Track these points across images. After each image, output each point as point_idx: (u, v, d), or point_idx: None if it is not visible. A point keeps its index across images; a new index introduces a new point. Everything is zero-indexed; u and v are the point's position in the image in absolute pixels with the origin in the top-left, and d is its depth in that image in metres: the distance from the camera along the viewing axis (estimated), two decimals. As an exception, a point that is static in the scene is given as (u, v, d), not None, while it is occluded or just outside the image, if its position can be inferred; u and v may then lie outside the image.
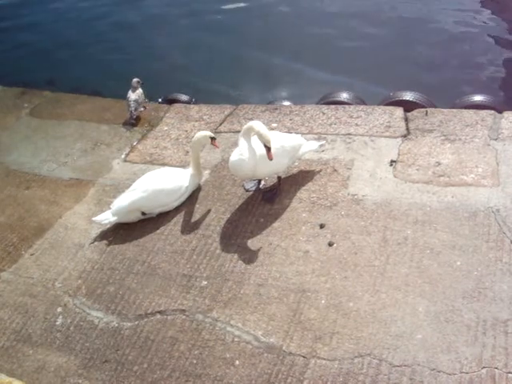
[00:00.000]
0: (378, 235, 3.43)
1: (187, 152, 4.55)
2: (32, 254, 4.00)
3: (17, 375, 3.20)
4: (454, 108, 4.57)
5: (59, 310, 3.55)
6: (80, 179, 4.65)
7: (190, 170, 4.06)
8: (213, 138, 3.99)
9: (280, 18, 7.88)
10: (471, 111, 4.33)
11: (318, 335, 2.96)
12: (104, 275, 3.69)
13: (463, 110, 4.42)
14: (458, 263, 3.14)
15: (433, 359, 2.72)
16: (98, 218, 3.97)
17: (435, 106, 4.79)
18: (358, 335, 2.91)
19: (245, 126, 3.64)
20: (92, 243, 3.96)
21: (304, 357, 2.89)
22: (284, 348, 2.95)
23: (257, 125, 3.55)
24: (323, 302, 3.12)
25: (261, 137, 3.52)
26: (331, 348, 2.89)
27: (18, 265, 3.95)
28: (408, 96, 5.05)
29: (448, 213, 3.45)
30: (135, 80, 5.22)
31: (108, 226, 4.02)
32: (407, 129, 4.27)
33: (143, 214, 3.96)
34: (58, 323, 3.47)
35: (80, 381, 3.11)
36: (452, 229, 3.35)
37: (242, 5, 8.32)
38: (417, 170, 3.84)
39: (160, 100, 5.92)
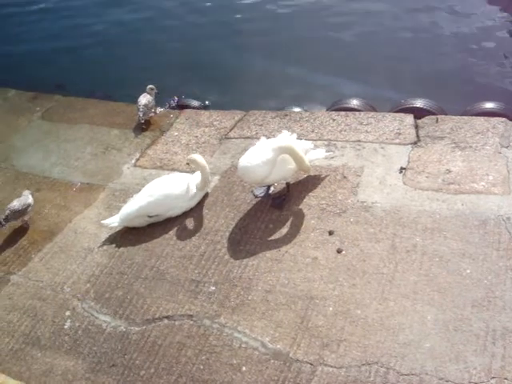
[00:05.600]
0: (386, 242, 3.41)
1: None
2: (42, 258, 4.03)
3: (25, 378, 3.23)
4: (464, 115, 4.55)
5: (68, 313, 3.57)
6: (90, 183, 4.68)
7: (198, 175, 4.06)
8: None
9: (291, 24, 7.89)
10: (482, 118, 4.30)
11: (326, 342, 2.95)
12: (112, 279, 3.70)
13: (474, 117, 4.39)
14: (468, 271, 3.11)
15: (441, 368, 2.70)
16: (106, 221, 4.01)
17: (446, 113, 4.77)
18: (365, 343, 2.90)
19: (283, 144, 3.62)
20: (101, 247, 3.98)
21: (311, 364, 2.88)
22: (291, 355, 2.95)
23: (299, 151, 3.61)
24: (331, 309, 3.11)
25: (300, 164, 3.64)
26: (338, 355, 2.88)
27: (28, 268, 3.99)
28: (418, 103, 5.03)
29: (458, 220, 3.43)
30: (149, 87, 5.28)
31: (117, 229, 4.05)
32: (417, 136, 4.25)
33: (150, 217, 3.97)
34: (66, 327, 3.48)
35: (87, 385, 3.12)
36: (462, 237, 3.32)
37: (252, 12, 8.34)
38: (426, 177, 3.82)
39: (171, 105, 5.95)
